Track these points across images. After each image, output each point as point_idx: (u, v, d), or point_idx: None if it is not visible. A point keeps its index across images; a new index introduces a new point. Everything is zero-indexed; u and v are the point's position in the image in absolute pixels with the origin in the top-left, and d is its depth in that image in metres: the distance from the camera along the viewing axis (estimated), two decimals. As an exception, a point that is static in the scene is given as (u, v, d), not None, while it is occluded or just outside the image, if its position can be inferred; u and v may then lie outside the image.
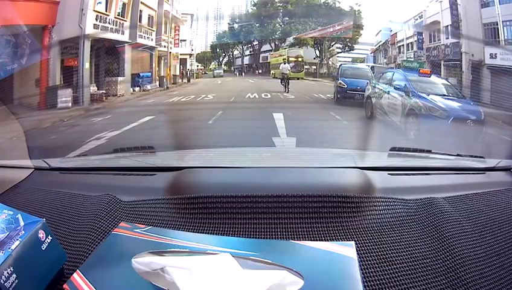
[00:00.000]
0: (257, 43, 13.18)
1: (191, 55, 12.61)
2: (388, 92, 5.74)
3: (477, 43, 7.97)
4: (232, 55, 14.29)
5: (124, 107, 8.28)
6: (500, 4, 7.42)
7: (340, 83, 7.95)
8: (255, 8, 12.49)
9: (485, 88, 7.26)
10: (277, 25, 12.27)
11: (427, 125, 4.68)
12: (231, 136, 4.41)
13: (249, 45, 13.52)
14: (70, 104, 7.32)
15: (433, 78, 6.23)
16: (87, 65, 7.89)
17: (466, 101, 5.51)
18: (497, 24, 7.52)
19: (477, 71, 7.66)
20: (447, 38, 8.84)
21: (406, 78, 5.67)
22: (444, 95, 5.38)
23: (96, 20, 8.10)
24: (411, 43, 10.21)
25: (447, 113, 4.70)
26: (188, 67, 12.45)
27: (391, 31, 10.90)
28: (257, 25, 12.46)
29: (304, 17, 11.67)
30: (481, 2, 7.87)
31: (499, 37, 7.59)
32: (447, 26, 8.72)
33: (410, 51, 10.20)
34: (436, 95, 5.25)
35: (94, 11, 8.00)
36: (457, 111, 4.83)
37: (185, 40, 12.17)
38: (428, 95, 5.15)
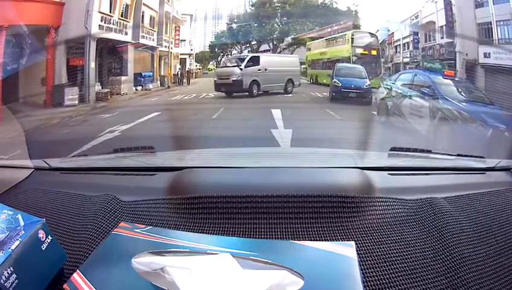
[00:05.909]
0: (255, 43, 13.15)
1: (190, 55, 12.61)
2: (410, 96, 5.12)
3: (471, 43, 8.01)
4: (231, 55, 14.29)
5: (128, 106, 8.39)
6: (494, 4, 7.47)
7: (335, 82, 8.05)
8: (253, 8, 12.46)
9: (479, 87, 7.29)
10: (275, 25, 12.23)
11: (462, 136, 4.01)
12: (232, 130, 4.59)
13: (247, 45, 13.49)
14: (76, 102, 7.51)
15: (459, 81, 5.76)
16: (92, 64, 7.96)
17: (496, 108, 4.67)
18: (491, 24, 7.56)
19: (472, 70, 7.70)
20: (442, 38, 8.87)
21: (433, 81, 4.96)
22: (474, 101, 4.74)
23: (101, 21, 8.24)
24: (407, 42, 10.23)
25: (486, 124, 3.96)
26: (188, 67, 12.45)
27: (388, 30, 10.89)
28: (255, 25, 12.42)
29: (302, 18, 11.66)
30: (475, 2, 7.92)
31: (492, 37, 7.63)
32: (442, 26, 8.75)
33: (406, 50, 10.22)
34: (468, 101, 4.66)
35: (99, 12, 8.10)
36: (495, 122, 4.01)
37: (184, 40, 12.19)
38: (460, 102, 4.54)
